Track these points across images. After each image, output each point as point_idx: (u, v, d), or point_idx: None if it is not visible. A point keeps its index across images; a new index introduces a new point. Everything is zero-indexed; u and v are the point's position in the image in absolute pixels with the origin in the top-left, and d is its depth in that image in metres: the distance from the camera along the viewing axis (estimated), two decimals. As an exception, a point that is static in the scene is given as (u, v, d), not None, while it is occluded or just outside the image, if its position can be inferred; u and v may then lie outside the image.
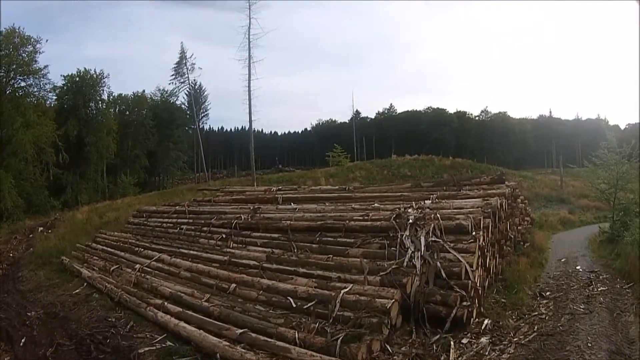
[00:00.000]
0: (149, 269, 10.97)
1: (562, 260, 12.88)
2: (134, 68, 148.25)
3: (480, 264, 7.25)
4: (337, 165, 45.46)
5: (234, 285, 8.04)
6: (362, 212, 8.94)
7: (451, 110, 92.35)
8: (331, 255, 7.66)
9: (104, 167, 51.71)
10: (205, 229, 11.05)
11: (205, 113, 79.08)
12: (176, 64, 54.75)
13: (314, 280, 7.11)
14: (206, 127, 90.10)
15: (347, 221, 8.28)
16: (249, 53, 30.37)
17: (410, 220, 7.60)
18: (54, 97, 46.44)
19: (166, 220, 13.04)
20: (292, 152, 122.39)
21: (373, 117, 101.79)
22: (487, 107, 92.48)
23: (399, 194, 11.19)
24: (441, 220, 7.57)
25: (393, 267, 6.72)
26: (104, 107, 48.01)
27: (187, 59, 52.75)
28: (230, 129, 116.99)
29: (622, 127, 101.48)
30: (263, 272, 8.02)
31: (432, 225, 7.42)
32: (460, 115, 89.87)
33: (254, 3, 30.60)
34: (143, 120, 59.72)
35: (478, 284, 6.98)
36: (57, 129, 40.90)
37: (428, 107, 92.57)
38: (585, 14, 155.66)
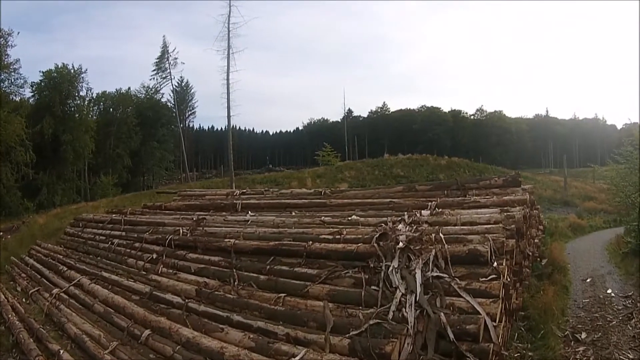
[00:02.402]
0: (65, 296, 8.60)
1: (588, 280, 10.55)
2: (129, 68, 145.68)
3: (504, 309, 4.80)
4: (327, 164, 42.98)
5: (147, 332, 5.60)
6: (334, 227, 6.47)
7: (446, 109, 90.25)
8: (283, 295, 5.20)
9: (86, 167, 49.06)
10: (137, 244, 8.56)
11: (193, 111, 76.24)
12: (158, 58, 51.87)
13: (251, 336, 4.63)
14: (196, 126, 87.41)
15: (311, 242, 5.79)
16: (228, 43, 27.93)
17: (401, 244, 5.14)
18: (31, 94, 43.88)
19: (100, 231, 10.52)
20: (283, 151, 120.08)
21: (366, 116, 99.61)
22: (482, 105, 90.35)
23: (388, 200, 8.74)
24: (446, 243, 5.11)
25: (371, 321, 4.26)
26: (82, 104, 45.29)
27: (169, 53, 49.94)
28: (221, 128, 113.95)
29: (619, 126, 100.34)
30: (187, 316, 5.54)
31: (433, 251, 4.96)
32: (455, 114, 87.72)
33: None
34: (126, 119, 56.97)
35: (502, 345, 4.55)
36: (32, 126, 38.35)
37: (422, 106, 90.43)
38: (582, 13, 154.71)
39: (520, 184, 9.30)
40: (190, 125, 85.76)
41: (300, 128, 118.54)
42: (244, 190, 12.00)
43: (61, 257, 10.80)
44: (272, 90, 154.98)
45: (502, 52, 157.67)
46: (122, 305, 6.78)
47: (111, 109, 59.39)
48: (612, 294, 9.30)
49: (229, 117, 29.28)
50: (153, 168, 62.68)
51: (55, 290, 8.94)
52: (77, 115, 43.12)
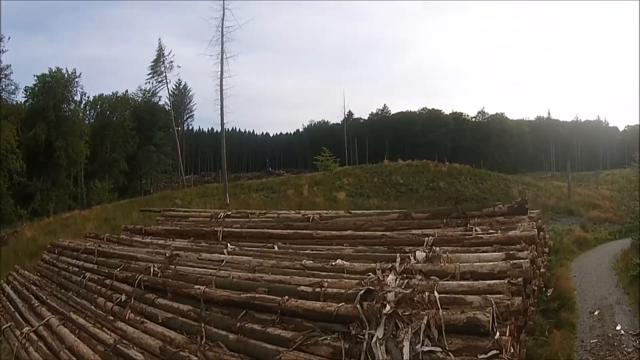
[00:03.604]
0: (34, 337, 7.98)
1: (596, 313, 9.89)
2: (127, 68, 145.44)
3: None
4: (326, 169, 42.34)
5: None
6: (316, 274, 5.79)
7: (447, 111, 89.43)
8: (252, 366, 4.53)
9: (82, 172, 48.43)
10: (107, 281, 7.89)
11: (191, 114, 75.60)
12: (153, 62, 51.27)
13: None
14: (196, 127, 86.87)
15: (287, 298, 5.11)
16: (222, 47, 27.27)
17: (388, 308, 4.44)
18: (24, 99, 43.27)
19: (75, 261, 9.87)
20: (284, 153, 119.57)
21: (366, 118, 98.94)
22: (483, 108, 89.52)
23: (380, 233, 8.01)
24: (441, 306, 4.42)
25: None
26: (77, 108, 44.66)
27: (164, 56, 49.31)
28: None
29: (621, 128, 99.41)
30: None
31: (426, 318, 4.27)
32: (456, 117, 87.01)
33: None
34: (123, 122, 56.41)
35: None
36: (26, 132, 37.69)
37: (423, 108, 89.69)
38: (584, 14, 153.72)
39: (526, 212, 8.57)
40: (190, 127, 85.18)
41: (301, 130, 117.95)
42: (229, 213, 11.25)
43: (35, 287, 10.14)
44: (272, 90, 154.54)
45: (504, 53, 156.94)
46: (87, 358, 6.15)
47: (108, 112, 58.83)
48: (622, 331, 8.67)
49: (222, 124, 28.76)
50: (150, 172, 62.12)
51: (25, 329, 8.33)
52: (71, 119, 42.39)
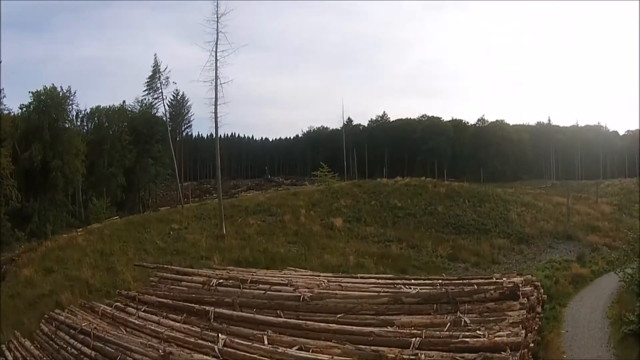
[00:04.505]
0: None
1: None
2: (128, 68, 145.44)
3: None
4: (324, 183, 42.37)
5: None
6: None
7: (447, 118, 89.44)
8: None
9: (79, 190, 48.36)
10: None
11: (189, 124, 75.54)
12: (149, 78, 51.07)
13: None
14: (195, 133, 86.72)
15: None
16: (216, 73, 26.61)
17: None
18: (20, 111, 43.10)
19: (72, 341, 9.87)
20: (283, 158, 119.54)
21: (366, 124, 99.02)
22: (484, 115, 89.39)
23: (368, 329, 7.99)
24: None
25: None
26: (72, 127, 44.66)
27: (160, 72, 49.06)
28: (220, 136, 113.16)
29: (622, 132, 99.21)
30: None
31: None
32: (456, 124, 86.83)
33: (223, 14, 26.69)
34: (120, 136, 56.37)
35: None
36: (22, 152, 37.63)
37: (423, 115, 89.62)
38: (585, 17, 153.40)
39: (518, 298, 8.55)
40: (189, 133, 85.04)
41: (300, 135, 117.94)
42: (220, 281, 11.20)
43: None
44: (271, 91, 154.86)
45: (504, 54, 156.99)
46: None
47: (105, 124, 58.79)
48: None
49: (217, 155, 28.46)
50: (148, 185, 62.08)
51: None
52: (66, 139, 42.25)
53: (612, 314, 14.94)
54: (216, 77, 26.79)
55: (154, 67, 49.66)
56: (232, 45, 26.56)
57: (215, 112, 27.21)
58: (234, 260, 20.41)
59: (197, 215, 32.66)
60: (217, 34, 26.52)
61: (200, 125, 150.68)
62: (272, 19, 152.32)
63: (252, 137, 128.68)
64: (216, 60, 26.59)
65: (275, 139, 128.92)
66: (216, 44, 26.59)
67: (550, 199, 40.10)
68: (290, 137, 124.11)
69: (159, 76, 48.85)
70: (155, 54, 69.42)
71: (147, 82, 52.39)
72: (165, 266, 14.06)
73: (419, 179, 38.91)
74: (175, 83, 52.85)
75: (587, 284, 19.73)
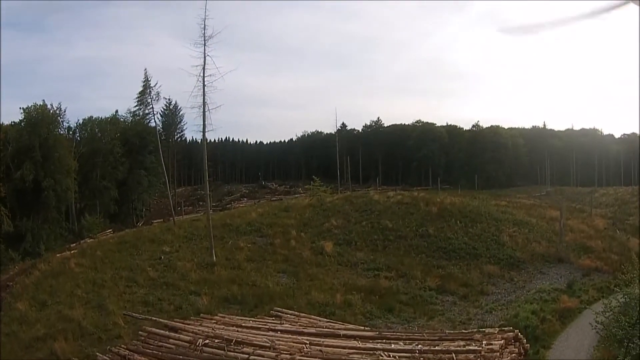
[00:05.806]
0: None
1: None
2: (124, 69, 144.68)
3: None
4: (316, 196, 42.23)
5: None
6: None
7: (441, 122, 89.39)
8: None
9: (72, 207, 48.04)
10: None
11: (181, 133, 75.33)
12: (139, 93, 50.74)
13: None
14: (189, 138, 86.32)
15: None
16: (204, 99, 26.14)
17: None
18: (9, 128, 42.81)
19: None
20: (277, 163, 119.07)
21: (360, 129, 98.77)
22: (478, 121, 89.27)
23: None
24: None
25: None
26: (62, 144, 44.24)
27: (151, 87, 48.68)
28: (215, 140, 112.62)
29: (617, 135, 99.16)
30: None
31: None
32: (450, 129, 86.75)
33: (210, 37, 26.10)
34: (112, 148, 56.01)
35: None
36: (14, 171, 37.30)
37: (417, 121, 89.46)
38: (581, 20, 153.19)
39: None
40: (184, 138, 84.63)
41: (294, 139, 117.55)
42: (207, 341, 11.02)
43: None
44: (266, 92, 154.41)
45: (503, 54, 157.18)
46: None
47: (98, 135, 58.39)
48: None
49: (206, 184, 28.25)
50: (142, 196, 61.75)
51: None
52: (57, 158, 41.89)
53: (597, 356, 14.84)
54: (204, 103, 26.36)
55: (144, 82, 49.32)
56: (219, 70, 25.97)
57: (204, 137, 27.00)
58: (222, 298, 20.34)
59: (187, 236, 32.48)
60: (205, 57, 26.08)
61: (194, 129, 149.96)
62: (270, 19, 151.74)
63: (247, 140, 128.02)
64: (204, 85, 26.12)
65: (270, 142, 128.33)
66: (203, 68, 26.11)
67: (543, 214, 39.96)
68: (284, 141, 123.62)
69: (150, 91, 48.48)
70: (145, 69, 69.09)
71: (138, 97, 52.05)
72: (153, 319, 13.85)
73: (411, 195, 38.79)
74: (165, 98, 52.62)
75: (575, 317, 19.62)
